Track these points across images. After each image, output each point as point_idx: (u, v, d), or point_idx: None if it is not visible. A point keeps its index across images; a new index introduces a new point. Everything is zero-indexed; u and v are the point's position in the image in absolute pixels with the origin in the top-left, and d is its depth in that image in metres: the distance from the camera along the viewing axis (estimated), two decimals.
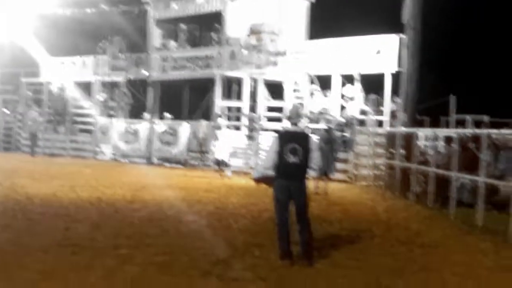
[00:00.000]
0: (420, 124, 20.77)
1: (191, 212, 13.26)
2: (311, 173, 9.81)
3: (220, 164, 21.61)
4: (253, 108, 25.93)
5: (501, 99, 27.13)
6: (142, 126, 27.70)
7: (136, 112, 29.65)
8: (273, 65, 24.52)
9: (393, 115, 21.73)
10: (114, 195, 15.57)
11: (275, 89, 26.25)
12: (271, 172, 8.77)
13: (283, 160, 8.61)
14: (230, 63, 25.66)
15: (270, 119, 25.32)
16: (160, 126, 27.13)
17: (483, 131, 14.70)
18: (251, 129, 24.89)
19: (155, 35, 29.26)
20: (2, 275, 7.62)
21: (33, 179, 18.64)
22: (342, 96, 23.10)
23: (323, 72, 23.57)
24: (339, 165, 19.72)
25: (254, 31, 25.07)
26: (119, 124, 28.59)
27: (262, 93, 25.91)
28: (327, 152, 17.17)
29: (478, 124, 23.13)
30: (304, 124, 20.53)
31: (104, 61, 30.70)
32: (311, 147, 8.82)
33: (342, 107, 23.22)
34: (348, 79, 22.91)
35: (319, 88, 23.99)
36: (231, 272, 8.15)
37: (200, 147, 24.98)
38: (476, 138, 14.97)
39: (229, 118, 26.44)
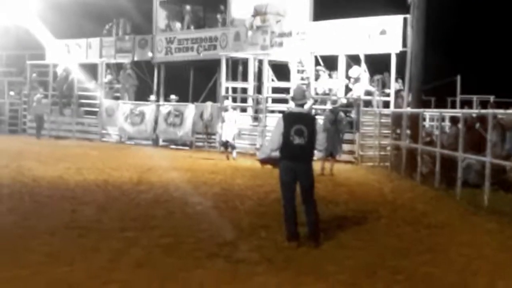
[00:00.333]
0: (426, 104, 20.70)
1: (197, 194, 13.28)
2: (317, 154, 9.81)
3: (226, 146, 21.59)
4: (258, 89, 25.86)
5: (507, 79, 26.98)
6: (148, 108, 27.67)
7: (141, 94, 29.60)
8: (278, 46, 24.41)
9: (397, 95, 21.66)
10: (121, 177, 15.59)
11: (281, 70, 26.16)
12: (276, 154, 8.76)
13: (289, 141, 8.58)
14: (235, 44, 25.54)
15: (276, 100, 25.26)
16: (166, 107, 27.09)
17: (489, 111, 14.67)
18: (257, 110, 24.86)
19: (160, 17, 29.13)
20: (9, 257, 7.66)
21: (40, 161, 18.66)
22: (348, 77, 23.01)
23: (328, 53, 23.47)
24: (345, 146, 19.69)
25: (259, 12, 24.92)
26: (125, 106, 28.55)
27: (267, 74, 25.82)
28: (332, 133, 17.14)
29: (484, 104, 23.10)
30: (309, 105, 20.49)
31: (109, 43, 30.64)
32: (317, 128, 8.80)
33: (348, 88, 23.13)
34: (353, 59, 22.80)
35: (324, 69, 23.89)
36: (238, 253, 8.18)
37: (206, 129, 24.93)
38: (482, 118, 14.95)
39: (234, 100, 26.38)
